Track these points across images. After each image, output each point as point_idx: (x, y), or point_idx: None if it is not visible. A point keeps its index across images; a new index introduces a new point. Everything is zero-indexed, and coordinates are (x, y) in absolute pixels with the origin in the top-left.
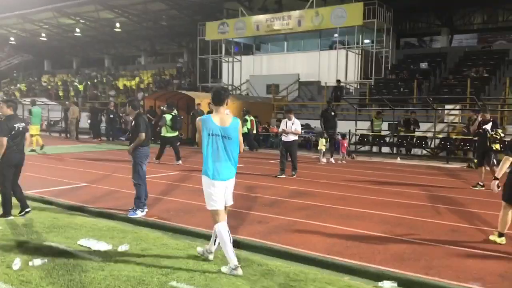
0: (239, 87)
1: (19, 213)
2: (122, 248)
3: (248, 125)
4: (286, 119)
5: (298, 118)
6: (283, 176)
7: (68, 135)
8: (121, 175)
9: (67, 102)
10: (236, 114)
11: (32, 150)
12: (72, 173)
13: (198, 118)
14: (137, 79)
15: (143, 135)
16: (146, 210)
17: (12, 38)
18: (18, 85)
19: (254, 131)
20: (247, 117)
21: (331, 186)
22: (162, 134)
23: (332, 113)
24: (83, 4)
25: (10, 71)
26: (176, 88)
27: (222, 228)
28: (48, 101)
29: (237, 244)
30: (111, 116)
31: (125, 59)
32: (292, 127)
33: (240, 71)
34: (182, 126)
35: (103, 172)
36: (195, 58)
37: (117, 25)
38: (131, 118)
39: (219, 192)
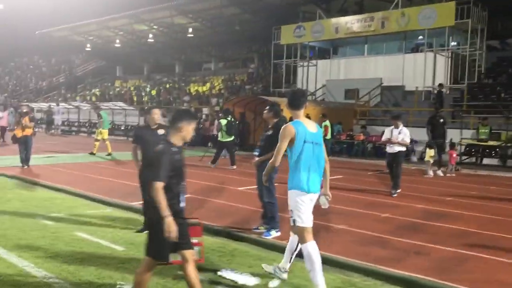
0: (314, 92)
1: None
2: (275, 284)
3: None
4: (391, 127)
5: (381, 125)
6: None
7: None
8: (229, 187)
9: (145, 108)
10: (316, 120)
11: (109, 154)
12: None
13: (285, 125)
14: (208, 84)
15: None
16: (279, 230)
17: (88, 45)
18: (93, 90)
19: (328, 137)
20: (327, 122)
21: (464, 205)
22: (219, 139)
23: (441, 120)
24: (159, 10)
25: (85, 77)
26: (249, 94)
27: (312, 249)
28: (125, 106)
29: (408, 284)
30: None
31: (195, 64)
32: (398, 137)
33: (315, 76)
34: (238, 132)
35: (205, 182)
36: (266, 63)
37: (190, 30)
38: (269, 125)
39: (311, 207)
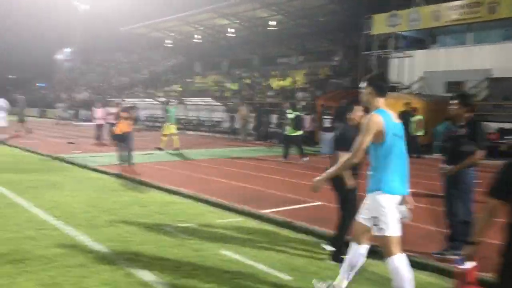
0: (410, 86)
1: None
2: None
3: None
4: None
5: (490, 121)
6: None
7: (241, 136)
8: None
9: (230, 103)
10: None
11: (176, 149)
12: (284, 185)
13: (370, 115)
14: (289, 78)
15: (481, 153)
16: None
17: (168, 41)
18: (173, 86)
19: (420, 133)
20: (420, 117)
21: None
22: (286, 133)
23: None
24: (242, 3)
25: (165, 73)
26: (334, 88)
27: (401, 262)
28: (212, 102)
29: None
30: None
31: (273, 58)
32: None
33: (411, 68)
34: (305, 125)
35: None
36: (352, 55)
37: (271, 23)
38: (459, 123)
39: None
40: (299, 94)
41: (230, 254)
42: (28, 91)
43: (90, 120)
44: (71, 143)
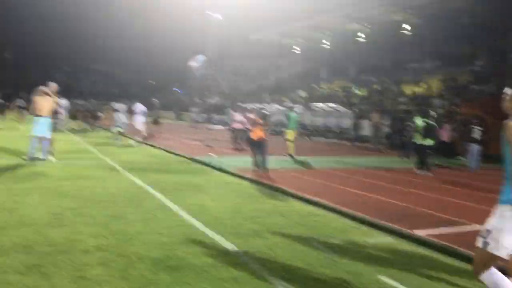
0: None
1: None
2: None
3: None
4: None
5: None
6: None
7: (371, 144)
8: None
9: (355, 109)
10: None
11: (290, 155)
12: (431, 202)
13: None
14: (423, 84)
15: None
16: None
17: (296, 47)
18: (299, 92)
19: None
20: None
21: None
22: (415, 141)
23: None
24: (376, 7)
25: (291, 79)
26: (476, 95)
27: (498, 274)
28: (339, 108)
29: None
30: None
31: (406, 63)
32: None
33: None
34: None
35: (477, 205)
36: (497, 59)
37: (405, 27)
38: None
39: None
40: (435, 101)
41: (391, 282)
42: (165, 95)
43: (221, 124)
44: (209, 146)
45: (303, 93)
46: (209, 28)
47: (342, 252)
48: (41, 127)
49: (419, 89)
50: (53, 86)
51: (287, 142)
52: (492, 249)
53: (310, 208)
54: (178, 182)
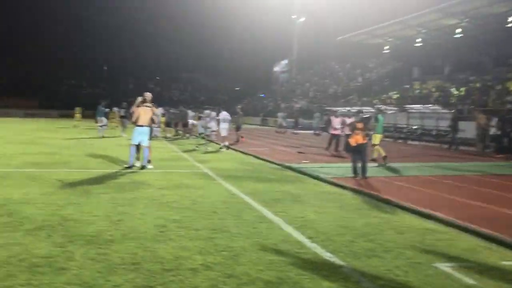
0: None
1: None
2: None
3: None
4: None
5: None
6: None
7: (476, 148)
8: None
9: (452, 110)
10: None
11: (373, 160)
12: None
13: None
14: None
15: None
16: None
17: (386, 47)
18: (390, 93)
19: None
20: None
21: None
22: None
23: None
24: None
25: (380, 80)
26: None
27: None
28: (435, 108)
29: None
30: None
31: (510, 59)
32: None
33: None
34: None
35: None
36: None
37: (511, 19)
38: None
39: None
40: None
41: None
42: (251, 101)
43: (308, 129)
44: (301, 152)
45: (394, 94)
46: (294, 32)
47: (480, 280)
48: (141, 136)
49: None
50: (148, 95)
51: (374, 147)
52: None
53: (427, 223)
54: (275, 192)
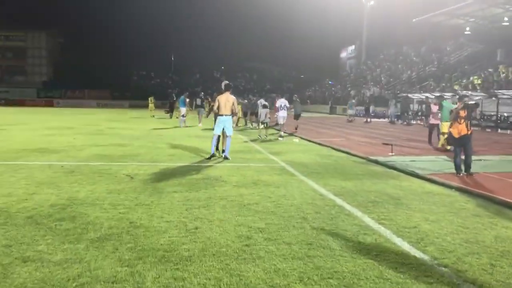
0: None
1: None
2: None
3: None
4: None
5: None
6: None
7: None
8: None
9: None
10: None
11: (445, 150)
12: None
13: None
14: None
15: None
16: None
17: (467, 28)
18: (471, 78)
19: None
20: None
21: None
22: None
23: None
24: None
25: (459, 65)
26: None
27: None
28: None
29: None
30: None
31: None
32: None
33: None
34: None
35: None
36: None
37: None
38: None
39: None
40: None
41: None
42: (319, 88)
43: (381, 117)
44: (386, 143)
45: (476, 79)
46: (364, 15)
47: None
48: (225, 124)
49: None
50: (228, 84)
51: (441, 136)
52: None
53: None
54: (368, 192)
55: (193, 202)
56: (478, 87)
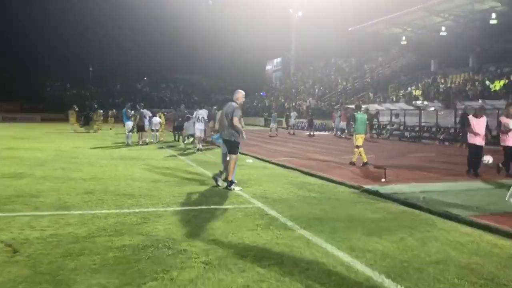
0: None
1: None
2: None
3: None
4: None
5: None
6: None
7: None
8: None
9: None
10: None
11: (365, 164)
12: None
13: None
14: None
15: None
16: None
17: (403, 38)
18: (409, 88)
19: None
20: None
21: None
22: None
23: None
24: None
25: (394, 76)
26: None
27: None
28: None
29: None
30: None
31: None
32: None
33: None
34: None
35: None
36: None
37: None
38: None
39: None
40: None
41: None
42: (251, 100)
43: (324, 130)
44: (378, 167)
45: (416, 91)
46: (292, 26)
47: None
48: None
49: None
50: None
51: (355, 149)
52: None
53: None
54: (429, 263)
55: None
56: (420, 98)
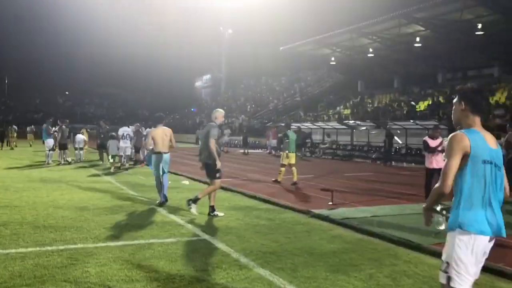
0: None
1: None
2: None
3: None
4: None
5: None
6: None
7: None
8: None
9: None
10: None
11: (294, 183)
12: None
13: (455, 133)
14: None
15: None
16: None
17: (333, 58)
18: (338, 108)
19: None
20: None
21: None
22: None
23: None
24: (439, 4)
25: (323, 95)
26: None
27: None
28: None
29: None
30: None
31: (464, 70)
32: None
33: None
34: None
35: None
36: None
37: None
38: None
39: (479, 258)
40: None
41: None
42: (181, 116)
43: (259, 148)
44: (326, 189)
45: (345, 111)
46: (222, 44)
47: None
48: (163, 164)
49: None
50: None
51: (281, 168)
52: (457, 284)
53: None
54: None
55: None
56: (350, 117)
